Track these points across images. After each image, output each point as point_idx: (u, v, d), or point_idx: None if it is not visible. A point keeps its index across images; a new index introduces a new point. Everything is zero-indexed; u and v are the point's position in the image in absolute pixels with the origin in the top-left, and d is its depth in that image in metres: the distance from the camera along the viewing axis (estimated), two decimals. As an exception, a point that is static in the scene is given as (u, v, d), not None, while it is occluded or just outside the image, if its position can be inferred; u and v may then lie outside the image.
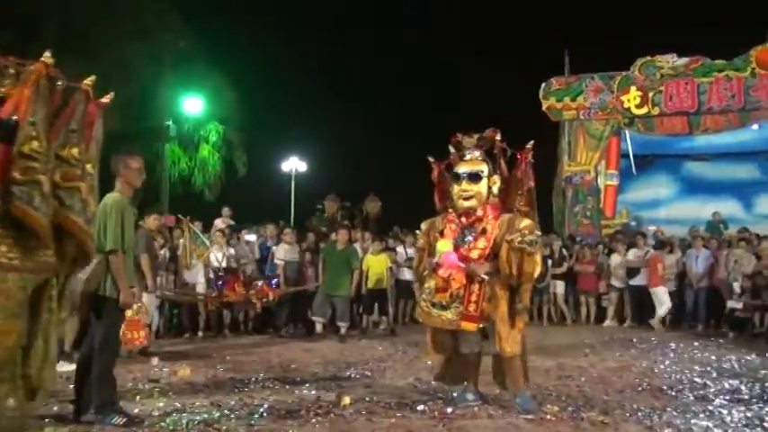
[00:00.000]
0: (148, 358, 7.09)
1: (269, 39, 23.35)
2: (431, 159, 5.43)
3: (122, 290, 4.37)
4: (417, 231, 5.44)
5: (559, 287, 12.37)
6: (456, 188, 5.01)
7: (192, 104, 18.26)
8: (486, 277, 4.74)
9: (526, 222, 4.84)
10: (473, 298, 4.77)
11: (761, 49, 15.81)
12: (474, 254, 4.86)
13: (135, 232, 7.12)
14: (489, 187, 5.00)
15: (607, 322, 12.09)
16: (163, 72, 17.78)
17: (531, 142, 5.26)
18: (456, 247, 4.90)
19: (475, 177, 4.96)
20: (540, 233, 4.91)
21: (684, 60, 16.35)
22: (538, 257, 4.81)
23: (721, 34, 18.16)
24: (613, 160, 17.26)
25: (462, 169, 5.01)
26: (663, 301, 11.31)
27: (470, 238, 4.93)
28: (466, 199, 4.95)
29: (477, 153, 5.08)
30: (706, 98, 16.01)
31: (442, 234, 5.03)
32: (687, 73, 16.27)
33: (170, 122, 18.01)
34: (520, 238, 4.63)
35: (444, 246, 4.90)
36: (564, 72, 17.41)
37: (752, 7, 21.11)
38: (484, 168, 5.01)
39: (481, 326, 4.81)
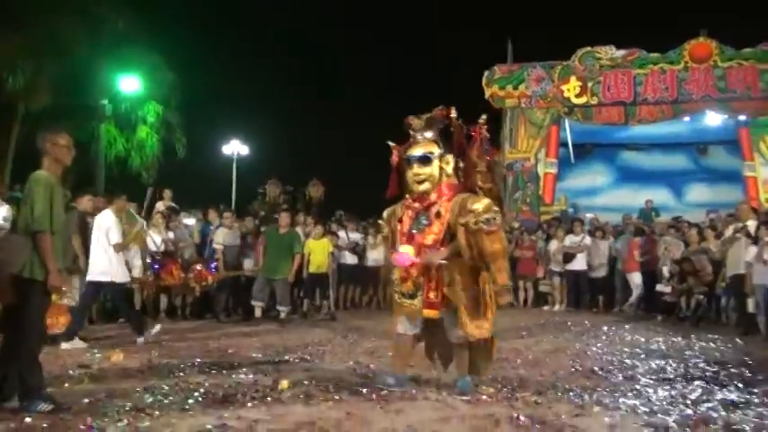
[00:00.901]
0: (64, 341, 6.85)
1: (210, 19, 22.85)
2: (390, 144, 5.26)
3: (51, 272, 4.20)
4: (380, 221, 5.39)
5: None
6: (409, 173, 4.93)
7: (129, 83, 17.65)
8: (443, 262, 4.68)
9: (482, 202, 4.69)
10: (432, 285, 4.77)
11: (693, 44, 16.37)
12: (428, 239, 4.80)
13: (67, 213, 6.91)
14: (441, 168, 4.90)
15: (547, 307, 12.40)
16: (99, 49, 17.10)
17: (484, 117, 5.10)
18: (411, 235, 4.87)
19: (425, 160, 4.86)
20: (497, 209, 4.75)
21: (622, 52, 16.81)
22: (502, 233, 4.76)
23: (657, 28, 18.77)
24: (553, 148, 17.64)
25: (412, 153, 4.92)
26: (637, 285, 11.60)
27: (425, 222, 4.86)
28: (419, 183, 4.88)
29: (428, 134, 4.96)
30: (641, 89, 16.52)
31: (401, 221, 4.98)
32: (624, 64, 16.73)
33: (106, 101, 17.37)
34: (474, 220, 4.57)
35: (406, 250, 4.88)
36: (507, 60, 17.63)
37: (686, 3, 21.82)
38: (434, 150, 4.89)
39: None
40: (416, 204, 4.94)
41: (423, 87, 25.06)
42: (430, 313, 4.81)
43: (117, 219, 7.46)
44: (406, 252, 4.79)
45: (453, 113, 5.00)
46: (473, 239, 4.61)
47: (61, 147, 4.46)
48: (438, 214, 4.81)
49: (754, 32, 16.44)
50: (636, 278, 11.62)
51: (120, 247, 7.38)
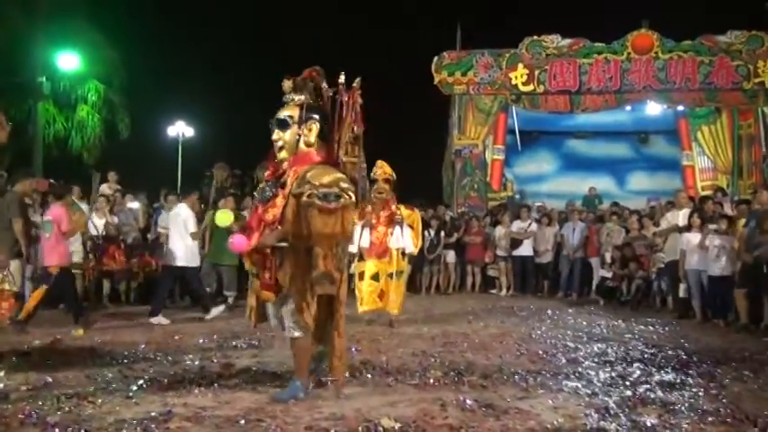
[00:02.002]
0: (19, 330, 6.66)
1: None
2: None
3: None
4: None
5: (450, 257, 12.74)
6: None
7: (68, 61, 17.03)
8: (283, 244, 4.14)
9: (327, 175, 4.08)
10: (267, 264, 4.22)
11: (636, 35, 16.78)
12: (269, 215, 4.22)
13: (4, 196, 6.64)
14: (299, 135, 4.28)
15: (494, 291, 12.61)
16: (35, 24, 16.43)
17: (358, 80, 4.44)
18: (256, 207, 4.44)
19: (282, 124, 4.30)
20: (347, 185, 4.09)
21: (568, 41, 17.06)
22: (348, 216, 4.12)
23: (602, 18, 19.14)
24: (500, 135, 17.82)
25: (275, 117, 4.39)
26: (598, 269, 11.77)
27: (269, 195, 4.30)
28: (278, 150, 4.33)
29: (296, 97, 4.37)
30: (586, 79, 16.81)
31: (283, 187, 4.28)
32: (570, 54, 16.99)
33: (43, 79, 16.71)
34: (309, 192, 3.99)
35: (222, 218, 4.65)
36: (456, 46, 17.70)
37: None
38: (293, 113, 4.30)
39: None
40: (267, 174, 4.44)
41: (372, 72, 24.96)
42: (266, 295, 4.28)
43: (192, 212, 8.68)
44: (239, 236, 4.34)
45: (320, 78, 4.45)
46: (304, 216, 4.02)
47: None
48: (283, 186, 4.24)
49: (694, 26, 16.98)
50: (596, 263, 11.87)
51: (196, 236, 8.64)
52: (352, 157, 4.35)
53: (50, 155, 17.76)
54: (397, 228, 7.91)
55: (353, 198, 4.10)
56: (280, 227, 4.14)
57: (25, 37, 16.02)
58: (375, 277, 7.83)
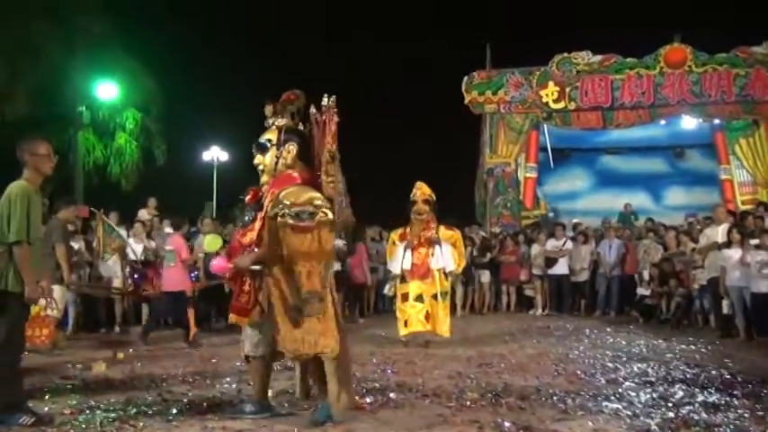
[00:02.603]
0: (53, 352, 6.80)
1: (188, 24, 22.74)
2: None
3: (28, 284, 4.15)
4: None
5: (484, 277, 12.66)
6: None
7: (107, 90, 17.50)
8: (257, 267, 4.14)
9: (301, 194, 4.03)
10: (245, 288, 4.25)
11: (669, 49, 16.62)
12: (246, 238, 4.26)
13: (47, 223, 6.85)
14: (277, 158, 4.27)
15: (531, 311, 12.46)
16: (76, 56, 16.95)
17: (333, 98, 4.31)
18: (237, 231, 4.52)
19: (262, 148, 4.33)
20: (321, 203, 4.01)
21: (598, 58, 16.99)
22: (325, 234, 4.02)
23: (633, 33, 19.00)
24: (533, 153, 17.77)
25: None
26: None
27: (249, 218, 4.36)
28: (261, 174, 4.37)
29: (276, 121, 4.39)
30: (619, 94, 16.71)
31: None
32: (601, 70, 16.92)
33: (83, 108, 17.20)
34: (282, 212, 3.95)
35: (211, 243, 4.62)
36: (486, 66, 17.75)
37: (661, 9, 22.15)
38: (272, 137, 4.32)
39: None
40: (248, 198, 4.47)
41: (402, 94, 25.18)
42: (237, 319, 4.36)
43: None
44: (220, 258, 4.42)
45: (298, 99, 4.42)
46: (283, 236, 3.96)
47: (40, 156, 4.41)
48: (261, 208, 4.26)
49: (728, 38, 16.77)
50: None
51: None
52: (327, 176, 4.20)
53: (90, 182, 18.21)
54: (437, 247, 7.90)
55: (330, 215, 4.02)
56: (256, 249, 4.16)
57: (65, 69, 16.53)
58: (419, 299, 7.81)
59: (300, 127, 4.44)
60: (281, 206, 3.97)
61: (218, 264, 4.37)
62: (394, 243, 8.30)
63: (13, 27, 14.80)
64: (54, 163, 4.54)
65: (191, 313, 8.45)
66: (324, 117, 4.25)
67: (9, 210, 4.17)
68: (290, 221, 3.92)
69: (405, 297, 7.92)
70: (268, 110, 4.44)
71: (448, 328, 7.96)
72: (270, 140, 4.32)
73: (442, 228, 8.11)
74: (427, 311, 7.80)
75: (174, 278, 8.37)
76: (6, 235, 4.14)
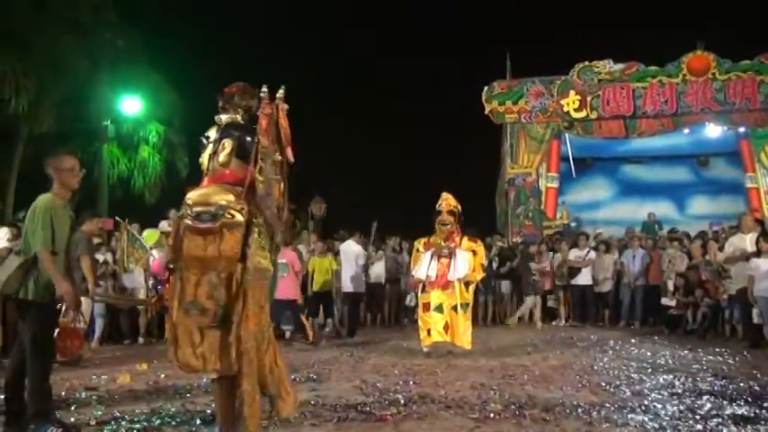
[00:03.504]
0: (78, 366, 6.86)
1: (209, 38, 23.00)
2: None
3: (58, 283, 4.17)
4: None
5: (505, 287, 12.58)
6: None
7: (131, 105, 17.80)
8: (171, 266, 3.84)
9: (215, 194, 3.68)
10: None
11: (692, 57, 16.46)
12: (170, 239, 4.00)
13: (72, 235, 6.93)
14: (212, 155, 3.98)
15: (554, 322, 12.34)
16: (100, 71, 17.25)
17: (282, 89, 3.99)
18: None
19: (200, 146, 4.08)
20: (237, 206, 3.64)
21: (620, 66, 16.88)
22: (231, 237, 3.60)
23: (655, 41, 18.86)
24: (554, 163, 17.67)
25: None
26: None
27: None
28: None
29: (223, 117, 4.03)
30: (641, 103, 16.57)
31: None
32: (623, 78, 16.80)
33: (108, 123, 17.49)
34: (183, 212, 3.67)
35: (149, 237, 4.43)
36: (506, 76, 17.72)
37: (683, 16, 21.97)
38: (211, 133, 4.02)
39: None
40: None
41: (422, 104, 25.21)
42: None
43: (362, 248, 10.84)
44: (161, 257, 4.19)
45: (243, 93, 4.04)
46: (183, 238, 3.65)
47: (65, 170, 4.45)
48: None
49: (752, 45, 16.57)
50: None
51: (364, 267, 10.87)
52: (260, 175, 3.82)
53: (114, 194, 18.47)
54: (452, 260, 7.92)
55: (238, 218, 3.63)
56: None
57: (91, 84, 16.82)
58: (439, 308, 7.85)
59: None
60: (185, 206, 3.69)
61: (154, 263, 4.29)
62: (418, 251, 8.39)
63: (41, 44, 15.10)
64: (80, 177, 4.58)
65: (304, 321, 9.50)
66: (266, 110, 3.87)
67: (33, 223, 4.23)
68: (189, 222, 3.62)
69: (426, 307, 7.96)
70: (220, 107, 4.12)
71: (469, 340, 7.98)
72: (207, 137, 4.06)
73: (465, 239, 8.17)
74: (446, 322, 7.82)
75: (286, 287, 9.09)
76: (29, 246, 4.20)
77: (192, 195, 3.68)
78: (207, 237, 3.57)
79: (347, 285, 10.61)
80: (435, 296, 7.92)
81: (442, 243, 8.07)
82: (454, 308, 7.88)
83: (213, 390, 3.80)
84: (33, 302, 4.17)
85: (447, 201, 8.10)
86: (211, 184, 3.82)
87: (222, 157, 3.88)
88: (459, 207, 8.18)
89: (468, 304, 8.09)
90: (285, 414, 3.93)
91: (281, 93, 3.95)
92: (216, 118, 4.06)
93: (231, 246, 3.59)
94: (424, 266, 8.10)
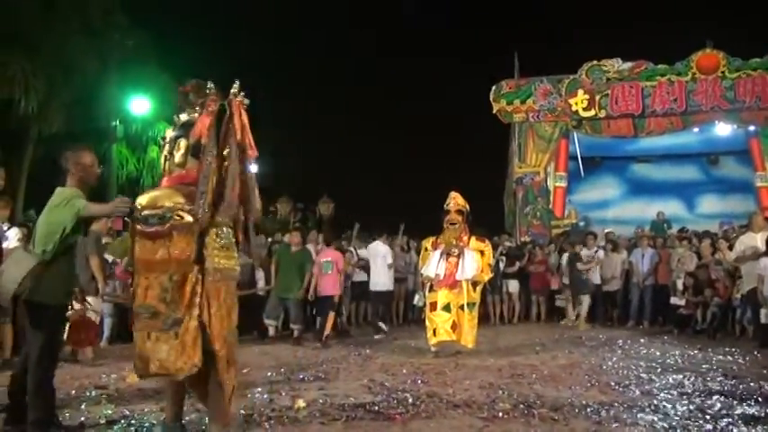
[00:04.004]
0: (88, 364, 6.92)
1: (219, 38, 23.07)
2: None
3: (103, 211, 4.26)
4: None
5: (512, 286, 12.55)
6: None
7: (140, 105, 17.85)
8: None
9: (167, 198, 3.67)
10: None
11: (701, 55, 16.38)
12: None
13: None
14: (166, 155, 3.98)
15: (563, 321, 12.30)
16: (109, 71, 17.33)
17: (236, 84, 3.92)
18: None
19: (159, 147, 4.09)
20: (186, 208, 3.61)
21: (629, 65, 16.82)
22: (180, 239, 3.57)
23: (663, 39, 18.78)
24: (562, 162, 17.63)
25: None
26: None
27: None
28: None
29: (181, 117, 4.03)
30: (650, 101, 16.50)
31: None
32: (632, 77, 16.74)
33: (117, 123, 17.56)
34: (133, 216, 3.69)
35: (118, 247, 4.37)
36: (514, 75, 17.69)
37: (692, 14, 21.85)
38: (168, 134, 4.02)
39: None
40: None
41: (430, 104, 25.19)
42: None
43: (390, 247, 11.20)
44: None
45: (191, 88, 4.02)
46: (134, 242, 3.65)
47: (86, 165, 4.37)
48: None
49: (762, 43, 16.45)
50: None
51: (391, 267, 10.94)
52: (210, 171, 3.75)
53: (123, 194, 18.50)
54: (461, 259, 7.92)
55: (186, 219, 3.59)
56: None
57: (100, 84, 16.89)
58: (446, 308, 7.85)
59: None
60: (135, 210, 3.70)
61: (118, 268, 4.27)
62: (426, 250, 8.40)
63: (50, 44, 15.18)
64: (99, 173, 4.52)
65: (331, 317, 9.51)
66: (207, 108, 3.85)
67: (61, 212, 4.12)
68: (138, 226, 3.62)
69: (433, 306, 7.95)
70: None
71: (473, 339, 7.95)
72: (164, 138, 4.04)
73: (473, 239, 8.15)
74: (454, 321, 7.81)
75: (329, 284, 9.53)
76: (43, 246, 4.12)
77: (141, 199, 3.67)
78: (156, 240, 3.54)
79: (376, 283, 10.94)
80: (443, 295, 7.91)
81: (454, 241, 8.05)
82: (461, 307, 7.88)
83: (165, 390, 3.82)
84: (47, 305, 4.08)
85: (455, 200, 8.09)
86: (166, 186, 3.81)
87: (178, 157, 3.86)
88: (468, 206, 8.17)
89: (474, 304, 8.07)
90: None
91: (234, 88, 3.90)
92: (174, 117, 4.05)
93: (182, 248, 3.56)
94: (433, 265, 8.11)
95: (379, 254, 11.01)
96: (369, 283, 11.61)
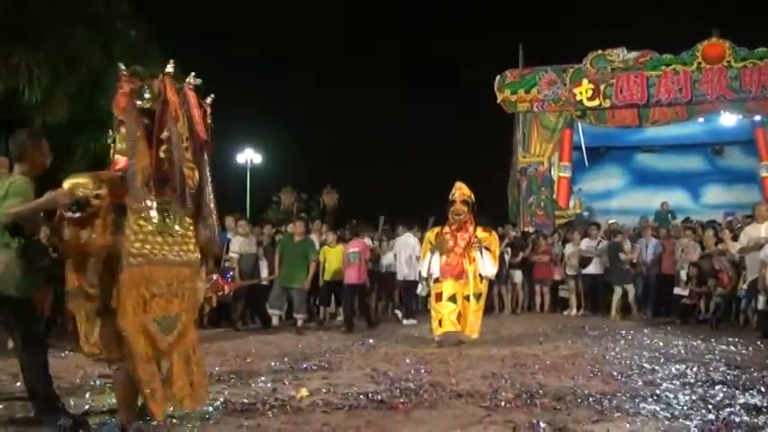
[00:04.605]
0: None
1: (223, 27, 23.05)
2: None
3: (40, 205, 3.82)
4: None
5: (517, 277, 12.55)
6: None
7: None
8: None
9: (77, 180, 3.60)
10: None
11: (706, 44, 16.29)
12: None
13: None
14: (111, 143, 3.94)
15: (565, 312, 12.29)
16: (113, 61, 17.31)
17: (192, 75, 4.10)
18: None
19: (110, 136, 3.99)
20: (84, 188, 3.55)
21: (634, 54, 16.75)
22: (106, 221, 3.56)
23: (669, 29, 18.70)
24: (566, 152, 17.59)
25: None
26: None
27: None
28: None
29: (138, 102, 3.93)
30: (655, 91, 16.45)
31: None
32: (637, 66, 16.67)
33: (120, 114, 17.59)
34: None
35: None
36: (518, 65, 17.62)
37: (697, 3, 21.73)
38: (114, 123, 3.95)
39: None
40: None
41: (435, 94, 25.14)
42: None
43: (417, 240, 11.18)
44: None
45: (142, 77, 4.01)
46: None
47: (43, 152, 4.27)
48: None
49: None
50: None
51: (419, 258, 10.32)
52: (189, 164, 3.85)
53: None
54: (478, 254, 7.89)
55: (96, 204, 3.54)
56: None
57: (104, 75, 16.87)
58: (452, 299, 7.83)
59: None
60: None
61: None
62: (429, 243, 8.31)
63: (55, 35, 15.17)
64: (51, 159, 4.35)
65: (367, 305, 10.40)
66: (120, 89, 3.83)
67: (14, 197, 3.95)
68: (62, 212, 3.55)
69: (438, 297, 7.94)
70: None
71: (477, 330, 7.95)
72: (111, 128, 3.98)
73: (479, 229, 8.10)
74: (460, 312, 7.81)
75: (356, 274, 10.04)
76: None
77: (64, 185, 3.60)
78: (77, 226, 3.51)
79: (402, 272, 11.29)
80: (448, 286, 7.89)
81: (459, 234, 7.96)
82: (467, 297, 7.87)
83: (112, 376, 3.83)
84: (18, 299, 4.02)
85: (461, 190, 8.02)
86: (87, 173, 3.74)
87: (119, 144, 3.85)
88: (473, 197, 8.10)
89: (481, 294, 8.04)
90: (189, 407, 3.95)
91: (190, 78, 4.00)
92: None
93: (99, 233, 3.54)
94: (426, 262, 8.11)
95: (408, 245, 11.28)
96: (372, 272, 11.67)
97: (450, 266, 7.92)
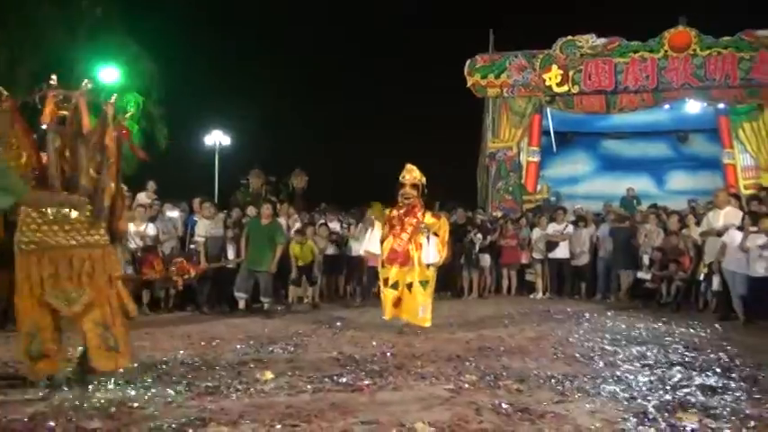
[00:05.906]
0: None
1: (189, 7, 22.59)
2: None
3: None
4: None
5: (484, 260, 12.64)
6: None
7: (108, 74, 17.49)
8: None
9: None
10: None
11: (673, 32, 16.49)
12: None
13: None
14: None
15: (532, 295, 12.44)
16: (77, 40, 16.92)
17: (85, 82, 4.81)
18: None
19: None
20: None
21: (603, 41, 16.90)
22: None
23: (637, 16, 18.87)
24: (535, 137, 17.72)
25: None
26: None
27: None
28: None
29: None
30: (622, 78, 16.63)
31: None
32: (605, 53, 16.83)
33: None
34: None
35: None
36: (489, 49, 17.64)
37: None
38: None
39: None
40: None
41: (404, 78, 25.07)
42: None
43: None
44: None
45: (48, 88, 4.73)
46: None
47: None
48: None
49: (733, 21, 16.63)
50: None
51: None
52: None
53: (91, 165, 18.22)
54: (425, 240, 7.66)
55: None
56: None
57: (68, 53, 16.50)
58: (394, 286, 7.68)
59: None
60: None
61: None
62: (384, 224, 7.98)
63: (17, 13, 14.76)
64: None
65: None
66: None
67: None
68: None
69: (385, 282, 7.77)
70: None
71: (428, 318, 7.61)
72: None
73: (427, 214, 7.82)
74: (399, 298, 7.63)
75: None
76: None
77: None
78: None
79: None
80: (393, 272, 7.68)
81: (406, 219, 7.73)
82: (409, 285, 7.61)
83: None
84: None
85: (411, 173, 7.68)
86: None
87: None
88: (424, 180, 7.78)
89: (428, 281, 7.70)
90: (122, 365, 4.70)
91: (83, 85, 4.78)
92: None
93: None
94: (365, 239, 8.00)
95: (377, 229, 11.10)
96: (339, 256, 11.67)
97: (395, 253, 7.66)
